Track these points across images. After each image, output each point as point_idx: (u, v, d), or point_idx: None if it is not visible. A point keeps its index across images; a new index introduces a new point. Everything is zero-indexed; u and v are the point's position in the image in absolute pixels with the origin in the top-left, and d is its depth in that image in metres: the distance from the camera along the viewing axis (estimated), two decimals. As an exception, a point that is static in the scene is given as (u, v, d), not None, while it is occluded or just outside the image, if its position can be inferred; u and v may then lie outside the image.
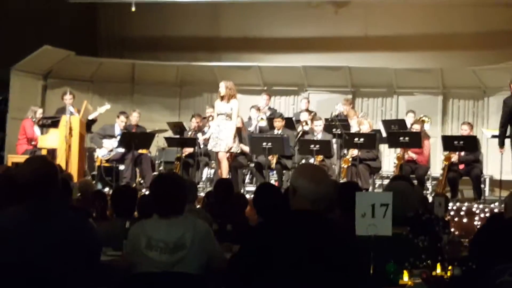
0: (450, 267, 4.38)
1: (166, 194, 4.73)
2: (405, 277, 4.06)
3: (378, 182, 14.63)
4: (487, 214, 11.02)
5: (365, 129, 13.55)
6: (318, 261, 3.70)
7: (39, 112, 14.14)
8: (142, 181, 14.07)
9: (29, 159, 4.64)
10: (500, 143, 12.30)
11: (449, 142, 13.02)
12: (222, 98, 12.68)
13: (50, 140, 13.37)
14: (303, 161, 13.69)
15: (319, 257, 3.71)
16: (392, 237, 4.00)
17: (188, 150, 14.35)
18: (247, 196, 9.88)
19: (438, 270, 4.30)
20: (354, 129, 14.10)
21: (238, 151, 13.27)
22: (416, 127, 13.61)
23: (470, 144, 12.89)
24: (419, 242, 4.19)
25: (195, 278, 4.49)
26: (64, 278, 4.05)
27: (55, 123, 13.37)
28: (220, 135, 12.65)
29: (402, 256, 4.06)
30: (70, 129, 13.09)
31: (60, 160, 12.61)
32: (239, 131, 13.38)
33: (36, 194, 4.16)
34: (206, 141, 13.38)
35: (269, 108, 16.01)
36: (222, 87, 12.69)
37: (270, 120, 14.63)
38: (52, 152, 13.07)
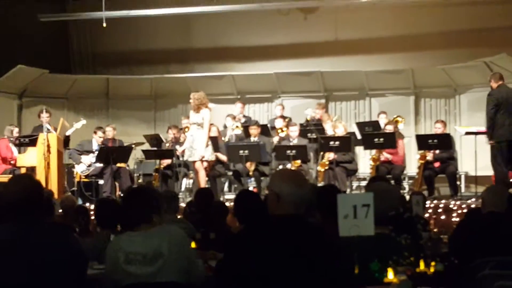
0: (432, 263, 4.46)
1: (128, 206, 4.76)
2: (390, 274, 4.13)
3: (355, 184, 14.75)
4: (465, 210, 11.10)
5: (340, 132, 13.64)
6: (304, 265, 3.73)
7: (16, 131, 14.11)
8: (122, 195, 14.07)
9: (16, 178, 4.67)
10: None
11: (423, 141, 13.13)
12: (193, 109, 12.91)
13: (29, 158, 13.38)
14: (280, 166, 13.77)
15: (305, 261, 3.74)
16: (375, 237, 4.08)
17: (166, 162, 14.40)
18: (227, 204, 9.92)
19: (421, 266, 4.38)
20: (329, 132, 14.19)
21: (213, 159, 13.33)
22: (390, 128, 13.72)
23: (444, 142, 13.01)
24: (401, 240, 4.27)
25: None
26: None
27: (33, 142, 13.35)
28: (194, 144, 12.77)
29: (385, 254, 4.13)
30: (48, 146, 13.08)
31: (40, 178, 12.55)
32: (215, 140, 13.46)
33: (23, 212, 4.19)
34: (183, 153, 13.44)
35: (244, 116, 16.07)
36: (190, 99, 12.90)
37: (246, 128, 14.69)
38: (31, 170, 13.08)
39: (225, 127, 15.33)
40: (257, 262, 3.76)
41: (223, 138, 14.60)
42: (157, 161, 14.39)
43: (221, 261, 4.41)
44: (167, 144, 14.78)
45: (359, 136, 14.19)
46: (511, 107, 11.94)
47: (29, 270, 4.06)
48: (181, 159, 13.97)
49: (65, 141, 14.34)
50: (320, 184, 12.51)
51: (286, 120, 15.17)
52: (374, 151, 13.81)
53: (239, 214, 6.71)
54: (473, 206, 11.14)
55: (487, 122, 11.93)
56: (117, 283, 4.55)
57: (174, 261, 4.50)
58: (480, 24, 17.25)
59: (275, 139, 14.31)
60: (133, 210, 4.69)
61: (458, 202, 11.91)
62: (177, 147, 14.05)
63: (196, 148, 12.74)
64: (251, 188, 13.62)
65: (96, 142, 14.22)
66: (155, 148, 14.89)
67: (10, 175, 12.35)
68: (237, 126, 14.92)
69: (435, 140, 12.89)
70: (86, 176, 14.06)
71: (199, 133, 12.77)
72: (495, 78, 12.15)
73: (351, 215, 4.02)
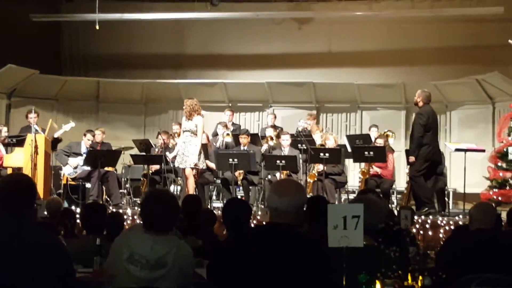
0: (420, 277, 4.44)
1: (158, 209, 4.60)
2: (378, 287, 4.11)
3: (343, 196, 14.71)
4: (452, 227, 11.11)
5: (331, 144, 13.60)
6: (289, 274, 3.75)
7: (4, 131, 13.97)
8: (108, 199, 14.01)
9: (11, 174, 4.63)
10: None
11: (413, 156, 13.11)
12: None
13: (16, 159, 13.25)
14: (269, 176, 13.74)
15: (289, 270, 3.75)
16: (364, 248, 4.06)
17: (154, 167, 14.33)
18: (215, 212, 9.87)
19: (409, 280, 4.35)
20: (317, 143, 14.14)
21: (204, 167, 13.29)
22: (380, 142, 13.71)
23: (434, 157, 12.99)
24: (390, 252, 4.25)
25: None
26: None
27: (20, 142, 13.26)
28: (186, 151, 12.72)
29: (374, 266, 4.11)
30: (36, 147, 13.00)
31: (26, 179, 12.47)
32: (205, 148, 13.41)
33: (13, 207, 4.13)
34: (174, 159, 13.39)
35: (233, 124, 16.04)
36: (184, 105, 12.88)
37: (236, 136, 14.65)
38: (17, 171, 12.96)
39: (215, 134, 15.29)
40: (242, 270, 3.78)
41: (214, 145, 14.55)
42: (145, 166, 14.31)
43: (208, 267, 4.39)
44: (156, 150, 14.71)
45: (349, 149, 14.17)
46: (436, 129, 12.48)
47: (13, 268, 3.96)
48: (171, 165, 13.89)
49: (54, 143, 14.25)
50: (308, 196, 12.45)
51: (277, 130, 15.13)
52: (363, 164, 13.78)
53: (227, 222, 6.67)
54: (460, 223, 11.15)
55: (416, 140, 12.20)
56: (113, 280, 4.52)
57: (174, 275, 4.46)
58: (473, 41, 17.33)
59: (264, 148, 14.28)
60: (156, 214, 4.58)
61: (445, 219, 11.90)
62: (167, 153, 13.98)
63: (188, 155, 12.70)
64: (239, 197, 13.55)
65: (84, 144, 14.13)
66: (144, 153, 14.81)
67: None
68: (227, 134, 14.87)
69: (425, 156, 12.85)
70: (73, 179, 13.97)
71: (192, 140, 12.72)
72: (425, 98, 12.41)
73: (341, 226, 4.01)
